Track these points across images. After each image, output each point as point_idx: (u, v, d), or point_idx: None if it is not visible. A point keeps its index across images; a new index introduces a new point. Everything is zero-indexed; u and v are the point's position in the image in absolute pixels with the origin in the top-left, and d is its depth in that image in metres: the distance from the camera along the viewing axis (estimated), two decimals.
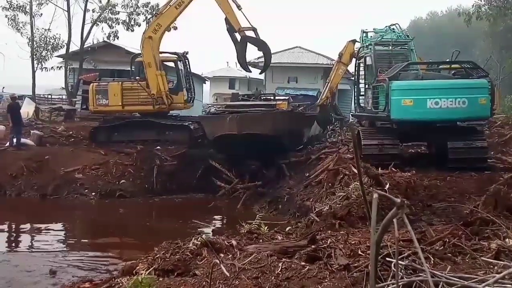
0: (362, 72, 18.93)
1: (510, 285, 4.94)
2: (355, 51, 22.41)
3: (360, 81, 18.94)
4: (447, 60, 19.00)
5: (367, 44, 18.64)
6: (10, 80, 53.32)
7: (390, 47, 17.84)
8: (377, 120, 16.86)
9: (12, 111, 22.98)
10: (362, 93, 18.70)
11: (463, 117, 15.02)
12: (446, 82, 14.98)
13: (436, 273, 5.39)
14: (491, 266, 5.93)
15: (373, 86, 16.46)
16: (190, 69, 25.87)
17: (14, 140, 22.37)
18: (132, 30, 36.75)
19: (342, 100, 39.33)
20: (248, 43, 22.42)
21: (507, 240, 6.92)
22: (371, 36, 22.02)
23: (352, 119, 29.94)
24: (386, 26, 21.01)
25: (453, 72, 16.49)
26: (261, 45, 22.09)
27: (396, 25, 20.55)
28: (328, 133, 26.67)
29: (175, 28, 35.61)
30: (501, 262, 5.99)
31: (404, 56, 17.58)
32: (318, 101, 27.92)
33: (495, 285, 4.89)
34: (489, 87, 14.89)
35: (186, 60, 25.53)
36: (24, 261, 11.78)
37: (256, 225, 8.94)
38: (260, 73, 23.94)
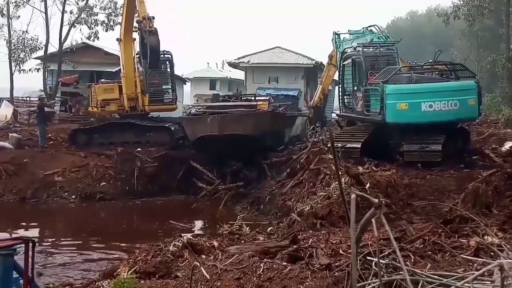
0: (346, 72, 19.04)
1: (489, 282, 5.00)
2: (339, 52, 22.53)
3: (345, 81, 19.05)
4: (430, 60, 19.23)
5: (355, 46, 18.74)
6: None
7: (378, 49, 17.97)
8: (368, 122, 17.06)
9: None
10: (347, 93, 18.78)
11: (454, 119, 15.33)
12: (439, 85, 15.31)
13: (416, 271, 5.44)
14: (470, 263, 6.00)
15: (364, 89, 16.56)
16: (171, 70, 25.75)
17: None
18: (113, 30, 36.44)
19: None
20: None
21: (485, 237, 7.00)
22: (344, 38, 22.15)
23: (333, 119, 30.16)
24: (363, 28, 21.09)
25: (440, 74, 16.73)
26: (146, 35, 21.98)
27: (375, 26, 20.65)
28: (309, 133, 26.80)
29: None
30: (480, 259, 6.06)
31: (391, 58, 17.76)
32: (311, 103, 28.05)
33: (474, 282, 4.94)
34: (477, 88, 15.22)
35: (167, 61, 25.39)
36: None
37: (236, 226, 8.94)
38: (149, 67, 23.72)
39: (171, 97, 25.59)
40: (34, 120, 30.10)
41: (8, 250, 5.66)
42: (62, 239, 15.42)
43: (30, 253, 5.94)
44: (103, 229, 16.50)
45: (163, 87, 25.52)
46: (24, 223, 16.67)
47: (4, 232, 15.34)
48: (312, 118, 27.10)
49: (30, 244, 5.94)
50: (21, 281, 6.10)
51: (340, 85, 19.80)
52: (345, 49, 20.09)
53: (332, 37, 22.96)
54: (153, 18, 21.78)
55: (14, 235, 12.75)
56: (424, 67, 17.76)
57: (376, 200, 2.75)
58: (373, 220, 2.81)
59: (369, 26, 20.83)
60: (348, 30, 22.27)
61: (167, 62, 25.40)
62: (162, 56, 25.17)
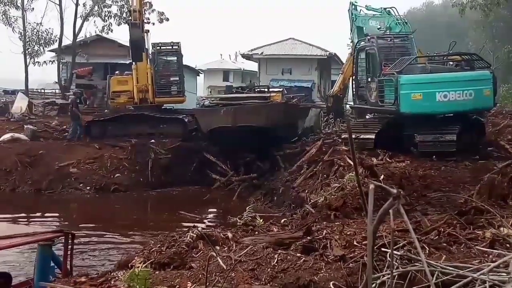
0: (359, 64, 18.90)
1: (504, 274, 4.96)
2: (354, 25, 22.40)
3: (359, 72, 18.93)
4: (445, 51, 19.07)
5: (369, 37, 18.60)
6: (2, 74, 53.08)
7: (392, 41, 17.83)
8: (382, 113, 17.00)
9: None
10: (361, 85, 18.67)
11: (470, 109, 15.23)
12: (454, 75, 15.18)
13: (432, 262, 5.41)
14: (486, 255, 5.95)
15: (378, 80, 16.48)
16: (179, 61, 25.76)
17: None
18: (125, 23, 36.54)
19: None
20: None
21: (501, 229, 6.94)
22: (360, 10, 21.94)
23: (347, 110, 29.97)
24: (381, 8, 20.82)
25: (454, 64, 16.60)
26: (129, 28, 22.94)
27: (393, 8, 20.40)
28: (323, 124, 26.70)
29: (167, 19, 35.88)
30: (496, 251, 6.01)
31: (405, 49, 17.63)
32: (331, 92, 27.80)
33: (490, 273, 4.91)
34: (492, 78, 15.10)
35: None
36: (20, 253, 11.73)
37: (249, 217, 8.95)
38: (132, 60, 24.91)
39: (179, 89, 25.45)
40: (54, 112, 30.43)
41: (46, 241, 5.88)
42: (77, 230, 15.50)
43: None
44: (118, 220, 16.60)
45: (171, 78, 25.47)
46: (39, 214, 16.83)
47: (23, 224, 15.55)
48: (330, 108, 26.81)
49: (70, 237, 6.15)
50: (56, 270, 6.30)
51: (354, 77, 19.66)
52: (359, 40, 19.95)
53: (348, 8, 22.74)
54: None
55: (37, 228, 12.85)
56: (439, 57, 17.62)
57: (395, 191, 2.72)
58: (390, 211, 2.79)
59: (386, 8, 20.60)
60: (366, 6, 22.08)
61: (175, 54, 25.41)
62: (170, 47, 25.28)
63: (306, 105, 26.96)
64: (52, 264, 6.23)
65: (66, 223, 16.42)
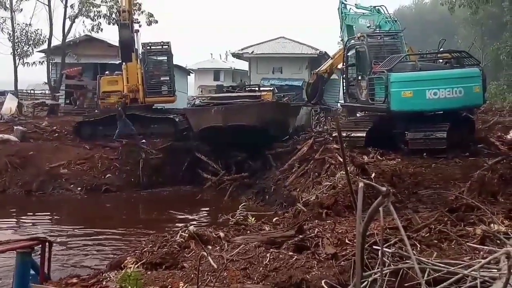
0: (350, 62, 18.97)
1: (495, 270, 4.99)
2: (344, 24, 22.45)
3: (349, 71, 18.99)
4: (434, 49, 19.17)
5: (359, 35, 18.67)
6: None
7: (381, 39, 17.90)
8: (373, 111, 17.08)
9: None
10: (351, 84, 18.73)
11: (459, 106, 15.35)
12: (444, 73, 15.30)
13: (423, 259, 5.44)
14: (477, 252, 5.99)
15: (368, 78, 16.54)
16: (170, 61, 25.69)
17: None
18: (114, 24, 36.41)
19: (329, 89, 39.23)
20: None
21: (492, 225, 6.99)
22: (350, 9, 22.05)
23: (339, 108, 30.00)
24: (371, 6, 20.94)
25: (444, 61, 16.70)
26: (119, 28, 23.08)
27: (383, 7, 20.50)
28: (314, 123, 26.67)
29: (156, 21, 35.87)
30: (487, 247, 6.05)
31: (395, 47, 17.71)
32: (316, 70, 27.65)
33: (481, 270, 4.94)
34: (481, 75, 15.21)
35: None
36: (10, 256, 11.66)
37: (241, 216, 8.96)
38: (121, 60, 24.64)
39: (169, 88, 25.33)
40: (44, 113, 30.18)
41: (25, 249, 5.82)
42: (68, 231, 15.47)
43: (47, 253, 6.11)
44: (109, 220, 16.53)
45: (161, 78, 25.38)
46: (30, 216, 16.74)
47: (14, 225, 15.48)
48: (310, 84, 26.44)
49: (47, 244, 6.09)
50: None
51: (344, 75, 19.70)
52: (349, 39, 20.03)
53: (338, 6, 22.82)
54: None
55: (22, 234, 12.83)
56: (429, 55, 17.73)
57: (384, 188, 2.73)
58: (380, 208, 2.80)
59: (376, 6, 20.70)
60: (356, 4, 22.22)
61: (165, 53, 25.35)
62: (160, 47, 25.23)
63: (297, 104, 26.92)
64: (32, 272, 6.16)
65: (57, 224, 16.34)
